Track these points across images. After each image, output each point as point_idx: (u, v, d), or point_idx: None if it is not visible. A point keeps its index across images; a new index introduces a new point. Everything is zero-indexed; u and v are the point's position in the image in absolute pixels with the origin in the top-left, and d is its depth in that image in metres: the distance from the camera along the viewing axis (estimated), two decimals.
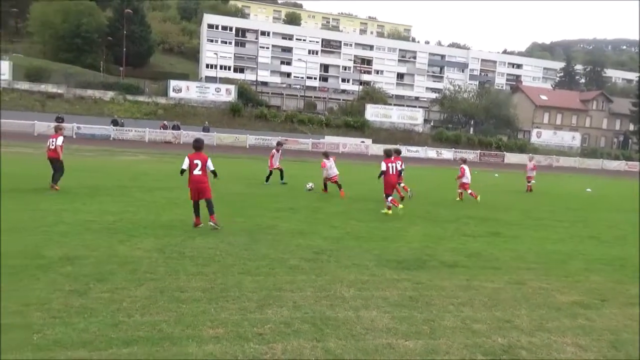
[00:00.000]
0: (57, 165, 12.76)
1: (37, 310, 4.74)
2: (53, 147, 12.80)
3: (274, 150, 17.81)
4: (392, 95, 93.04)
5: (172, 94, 50.37)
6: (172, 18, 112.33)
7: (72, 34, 74.10)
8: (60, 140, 12.90)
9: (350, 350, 4.36)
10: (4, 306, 4.80)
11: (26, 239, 7.33)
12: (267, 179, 17.32)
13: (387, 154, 12.56)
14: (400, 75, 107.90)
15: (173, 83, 51.92)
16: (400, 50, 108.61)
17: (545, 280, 7.06)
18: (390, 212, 12.15)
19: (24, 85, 46.23)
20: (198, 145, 9.44)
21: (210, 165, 9.19)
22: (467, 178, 16.34)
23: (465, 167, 16.41)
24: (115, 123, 41.77)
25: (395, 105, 70.89)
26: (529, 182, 21.22)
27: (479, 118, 65.00)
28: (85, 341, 4.20)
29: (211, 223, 8.97)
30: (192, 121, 46.90)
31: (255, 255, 7.30)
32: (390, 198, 12.24)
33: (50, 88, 47.10)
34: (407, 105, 75.46)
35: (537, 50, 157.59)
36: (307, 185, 16.34)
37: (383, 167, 12.19)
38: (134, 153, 28.79)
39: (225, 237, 8.32)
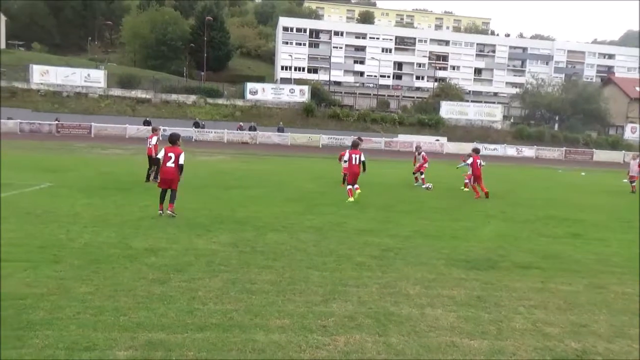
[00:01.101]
0: (152, 161, 14.55)
1: (125, 296, 5.24)
2: (150, 146, 14.76)
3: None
4: (469, 91, 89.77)
5: (248, 96, 52.24)
6: (250, 23, 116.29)
7: (158, 43, 79.30)
8: (154, 140, 14.84)
9: (413, 347, 4.38)
10: (98, 290, 5.35)
11: (118, 232, 8.05)
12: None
13: (354, 145, 13.12)
14: (478, 71, 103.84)
15: (249, 85, 53.83)
16: (478, 44, 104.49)
17: (631, 285, 6.58)
18: (352, 199, 12.62)
19: (117, 92, 50.16)
20: (172, 139, 9.85)
21: (181, 159, 9.57)
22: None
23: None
24: (196, 125, 44.10)
25: (472, 101, 68.47)
26: (632, 182, 19.46)
27: (565, 113, 60.94)
28: (164, 325, 4.58)
29: (169, 211, 9.52)
30: (267, 122, 48.35)
31: (323, 252, 7.47)
32: (349, 187, 12.77)
33: (140, 94, 50.70)
34: (485, 102, 72.54)
35: (633, 38, 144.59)
36: (426, 185, 16.86)
37: (346, 157, 13.14)
38: (213, 153, 30.27)
39: (295, 234, 8.58)
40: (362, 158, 12.90)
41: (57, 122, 41.12)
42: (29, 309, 4.76)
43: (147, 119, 42.89)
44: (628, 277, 6.98)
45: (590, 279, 6.76)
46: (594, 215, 12.87)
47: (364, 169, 12.95)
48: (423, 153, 17.84)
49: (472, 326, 4.90)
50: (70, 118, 43.11)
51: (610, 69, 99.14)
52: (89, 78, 49.52)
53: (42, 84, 48.11)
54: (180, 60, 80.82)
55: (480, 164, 15.18)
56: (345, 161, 14.07)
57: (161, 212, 9.62)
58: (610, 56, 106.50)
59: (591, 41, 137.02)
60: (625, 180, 21.06)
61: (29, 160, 19.53)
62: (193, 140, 42.27)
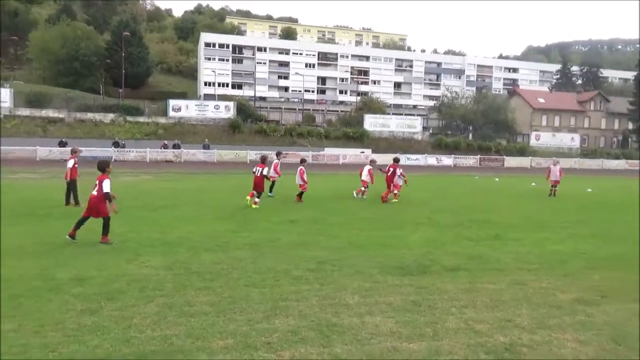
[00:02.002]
0: (72, 186, 14.04)
1: (52, 330, 4.90)
2: (67, 169, 14.05)
3: (276, 161, 17.93)
4: (390, 104, 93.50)
5: (171, 113, 50.79)
6: (170, 38, 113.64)
7: (70, 58, 75.06)
8: (71, 162, 14.16)
9: (356, 355, 4.50)
10: (22, 327, 4.95)
11: (37, 262, 7.49)
12: (271, 189, 17.32)
13: (262, 160, 15.13)
14: (397, 85, 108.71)
15: (172, 102, 52.39)
16: (396, 59, 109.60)
17: (546, 279, 7.19)
18: (256, 205, 14.19)
19: (25, 112, 46.66)
20: (99, 167, 9.29)
21: (105, 187, 8.91)
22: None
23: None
24: (116, 145, 42.13)
25: (393, 114, 71.32)
26: (554, 186, 20.38)
27: (478, 123, 65.27)
28: (99, 357, 4.35)
29: (101, 242, 8.91)
30: (192, 139, 47.24)
31: (260, 268, 7.44)
32: (254, 195, 14.40)
33: (51, 113, 47.50)
34: (406, 114, 75.88)
35: (533, 53, 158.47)
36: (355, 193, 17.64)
37: (254, 169, 14.73)
38: (136, 173, 29.01)
39: (230, 252, 8.47)
40: (264, 172, 15.06)
41: None
42: None
43: (63, 139, 40.30)
44: (542, 272, 7.62)
45: (511, 277, 7.30)
46: (509, 217, 13.88)
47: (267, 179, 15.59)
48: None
49: (410, 330, 5.12)
50: None
51: (514, 81, 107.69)
52: None
53: None
54: (95, 77, 77.10)
55: (399, 173, 16.60)
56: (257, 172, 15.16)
57: (71, 237, 8.97)
58: (515, 70, 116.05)
59: (497, 56, 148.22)
60: (534, 184, 23.00)
61: None
62: (113, 160, 40.28)
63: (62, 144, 38.95)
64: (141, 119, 50.04)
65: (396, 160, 17.30)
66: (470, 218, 13.31)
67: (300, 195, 16.18)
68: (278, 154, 19.05)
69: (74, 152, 14.86)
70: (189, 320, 5.24)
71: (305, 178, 16.24)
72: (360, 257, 8.29)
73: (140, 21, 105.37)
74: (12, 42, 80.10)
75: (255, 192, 14.63)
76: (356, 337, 4.90)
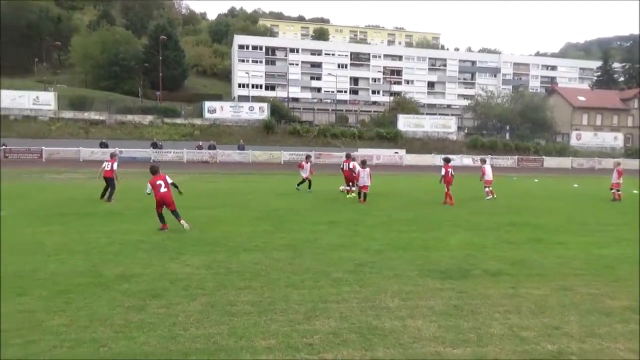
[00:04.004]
0: (111, 183, 15.71)
1: (102, 326, 5.07)
2: (109, 169, 15.80)
3: (304, 162, 19.62)
4: (424, 104, 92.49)
5: (207, 114, 51.71)
6: (204, 41, 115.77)
7: (110, 63, 77.53)
8: (115, 165, 16.10)
9: (399, 359, 4.46)
10: (74, 322, 5.14)
11: (85, 259, 7.77)
12: (300, 184, 19.45)
13: (347, 156, 15.04)
14: (431, 84, 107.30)
15: (207, 104, 53.34)
16: (429, 58, 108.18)
17: (594, 285, 6.93)
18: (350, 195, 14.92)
19: (69, 114, 48.47)
20: (153, 170, 11.21)
21: (169, 180, 11.09)
22: (490, 175, 18.30)
23: (486, 166, 18.43)
24: (154, 146, 43.19)
25: (427, 114, 70.49)
26: (617, 189, 18.85)
27: (515, 123, 63.72)
28: (147, 354, 4.46)
29: (183, 223, 10.55)
30: (227, 140, 47.95)
31: (299, 269, 7.48)
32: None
33: (93, 115, 49.19)
34: (440, 114, 74.88)
35: (572, 50, 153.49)
36: (340, 188, 18.53)
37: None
38: (173, 174, 29.64)
39: (268, 252, 8.54)
40: (350, 166, 17.13)
41: (3, 147, 39.27)
42: None
43: (104, 140, 41.66)
44: (590, 278, 7.35)
45: (556, 282, 7.07)
46: (551, 219, 13.46)
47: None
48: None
49: (454, 335, 5.03)
50: (19, 142, 41.23)
51: (553, 79, 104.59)
52: (37, 101, 47.70)
53: None
54: (133, 80, 79.32)
55: (451, 173, 16.46)
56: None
57: (166, 229, 10.46)
58: (553, 67, 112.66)
59: (534, 54, 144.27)
60: (576, 185, 22.27)
61: None
62: (151, 160, 41.33)
63: (103, 145, 40.24)
64: (178, 121, 51.17)
65: (447, 161, 17.11)
66: (510, 220, 12.99)
67: (364, 196, 16.23)
68: (307, 157, 20.32)
69: (113, 156, 16.77)
70: (231, 320, 5.32)
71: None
72: (399, 260, 8.21)
73: (176, 25, 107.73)
74: (56, 47, 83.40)
75: (349, 185, 16.85)
76: (398, 341, 4.86)
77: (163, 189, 10.63)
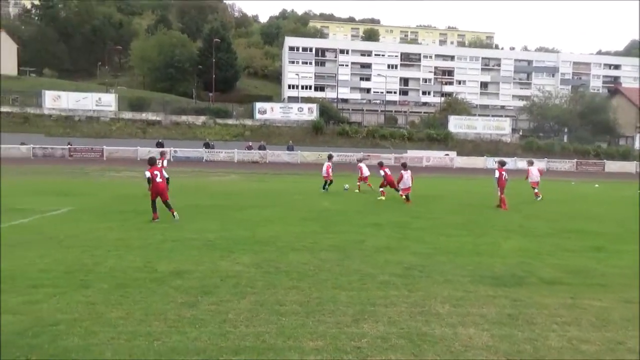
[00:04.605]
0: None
1: (156, 320, 5.25)
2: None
3: (328, 163, 20.36)
4: (476, 105, 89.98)
5: (257, 115, 52.67)
6: (256, 43, 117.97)
7: (166, 65, 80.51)
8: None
9: None
10: (130, 315, 5.36)
11: (141, 255, 8.10)
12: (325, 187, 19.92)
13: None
14: (484, 84, 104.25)
15: (258, 105, 54.33)
16: (483, 58, 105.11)
17: None
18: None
19: (128, 115, 50.79)
20: (151, 162, 12.37)
21: (165, 174, 12.31)
22: (537, 176, 18.70)
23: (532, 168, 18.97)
24: (207, 146, 44.48)
25: (479, 115, 68.54)
26: None
27: (574, 125, 60.80)
28: (198, 349, 4.58)
29: (175, 214, 11.67)
30: (277, 141, 48.63)
31: (347, 271, 7.45)
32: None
33: (150, 116, 51.32)
34: (493, 115, 72.57)
35: (637, 48, 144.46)
36: (345, 186, 19.74)
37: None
38: (225, 173, 30.43)
39: (316, 253, 8.57)
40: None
41: (69, 146, 41.66)
42: (63, 335, 4.78)
43: (160, 140, 43.37)
44: None
45: (619, 294, 6.66)
46: (613, 227, 12.74)
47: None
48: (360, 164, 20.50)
49: (508, 345, 4.85)
50: (82, 142, 43.66)
51: (616, 79, 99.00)
52: (100, 102, 50.28)
53: (54, 109, 48.90)
54: (188, 82, 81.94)
55: (505, 177, 15.93)
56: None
57: (157, 219, 11.43)
58: (616, 67, 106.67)
59: (596, 52, 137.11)
60: None
61: (45, 185, 19.76)
62: (204, 160, 42.59)
63: (159, 145, 41.82)
64: (229, 121, 52.43)
65: (502, 164, 16.53)
66: (568, 227, 12.39)
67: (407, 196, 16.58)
68: (330, 157, 21.35)
69: (162, 154, 19.61)
70: (279, 319, 5.37)
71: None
72: (449, 264, 8.02)
73: (229, 28, 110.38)
74: (117, 51, 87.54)
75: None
76: (449, 348, 4.73)
77: (159, 179, 11.70)
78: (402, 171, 16.59)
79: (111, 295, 6.02)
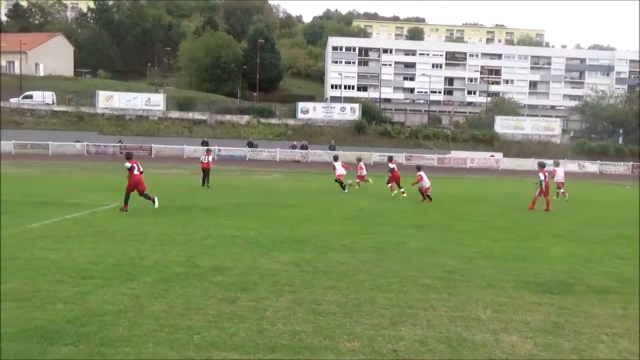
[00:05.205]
0: (207, 173, 19.42)
1: (196, 314, 5.37)
2: (206, 162, 19.56)
3: (335, 163, 20.25)
4: (524, 105, 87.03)
5: (300, 115, 53.05)
6: (300, 43, 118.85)
7: (213, 66, 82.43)
8: (209, 158, 19.95)
9: None
10: (171, 308, 5.51)
11: (184, 250, 8.32)
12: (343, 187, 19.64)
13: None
14: (533, 84, 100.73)
15: (301, 105, 54.72)
16: (532, 57, 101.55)
17: None
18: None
19: (175, 114, 52.38)
20: (128, 156, 13.20)
21: (141, 168, 13.08)
22: (562, 177, 18.87)
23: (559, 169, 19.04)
24: (250, 145, 45.22)
25: (528, 115, 66.30)
26: None
27: (630, 126, 57.69)
28: (236, 345, 4.64)
29: (155, 201, 12.77)
30: (319, 140, 48.79)
31: (386, 272, 7.38)
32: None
33: (197, 115, 52.73)
34: (542, 115, 70.01)
35: None
36: (348, 182, 19.90)
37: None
38: (267, 172, 30.83)
39: (356, 253, 8.53)
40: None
41: (120, 144, 43.37)
42: (109, 326, 4.97)
43: (205, 139, 44.48)
44: None
45: None
46: None
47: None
48: (361, 163, 21.07)
49: (552, 354, 4.65)
50: (133, 140, 45.37)
51: None
52: (149, 102, 52.14)
53: (106, 108, 51.09)
54: (233, 82, 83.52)
55: (548, 178, 16.00)
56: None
57: (126, 210, 12.15)
58: None
59: None
60: None
61: (97, 180, 20.66)
62: (247, 159, 43.33)
63: (205, 144, 42.88)
64: (273, 121, 53.08)
65: (542, 165, 16.38)
66: (621, 233, 11.77)
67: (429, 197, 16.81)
68: (358, 160, 21.94)
69: (209, 151, 20.99)
70: (316, 318, 5.37)
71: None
72: (492, 269, 7.78)
73: (274, 28, 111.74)
74: (166, 52, 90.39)
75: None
76: (490, 355, 4.59)
77: (136, 172, 12.65)
78: (420, 172, 16.85)
79: (154, 288, 6.21)
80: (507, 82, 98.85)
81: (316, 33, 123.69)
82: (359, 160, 21.77)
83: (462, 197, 18.67)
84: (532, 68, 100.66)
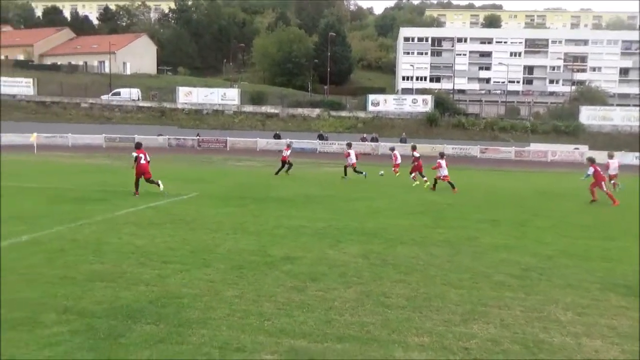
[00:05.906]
0: (284, 165, 21.29)
1: (267, 301, 5.52)
2: (285, 155, 21.43)
3: (350, 150, 21.33)
4: (614, 94, 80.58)
5: (370, 107, 52.67)
6: (370, 35, 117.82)
7: (285, 60, 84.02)
8: (288, 152, 21.73)
9: None
10: (243, 294, 5.71)
11: (256, 240, 8.59)
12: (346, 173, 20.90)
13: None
14: (624, 71, 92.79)
15: (371, 97, 54.29)
16: (623, 41, 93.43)
17: None
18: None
19: (249, 108, 54.06)
20: (138, 145, 14.38)
21: (148, 157, 14.08)
22: (615, 169, 18.46)
23: (612, 161, 18.61)
24: (320, 137, 45.63)
25: (618, 105, 61.25)
26: None
27: None
28: (304, 332, 4.73)
29: (161, 187, 13.74)
30: (389, 133, 48.18)
31: (458, 268, 7.16)
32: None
33: (269, 109, 54.08)
34: (635, 105, 64.35)
35: None
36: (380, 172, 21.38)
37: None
38: (336, 164, 30.94)
39: (426, 247, 8.36)
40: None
41: (198, 137, 45.52)
42: (186, 308, 5.25)
43: (277, 132, 45.49)
44: None
45: None
46: None
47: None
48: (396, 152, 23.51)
49: None
50: (209, 133, 47.47)
51: None
52: (224, 97, 54.18)
53: (186, 103, 53.77)
54: (304, 76, 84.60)
55: (601, 172, 15.74)
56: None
57: (137, 194, 13.45)
58: None
59: None
60: None
61: (177, 172, 21.82)
62: (317, 152, 43.77)
63: (277, 137, 43.90)
64: (343, 114, 53.16)
65: (592, 160, 15.78)
66: None
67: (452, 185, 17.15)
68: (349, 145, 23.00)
69: (289, 145, 22.46)
70: (385, 311, 5.33)
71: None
72: (574, 268, 7.31)
73: (344, 21, 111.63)
74: (240, 49, 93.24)
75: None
76: None
77: (143, 161, 13.82)
78: (440, 160, 17.48)
79: (228, 275, 6.47)
80: (594, 69, 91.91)
81: (387, 25, 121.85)
82: (392, 149, 24.42)
83: (539, 192, 17.67)
84: (623, 54, 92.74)
